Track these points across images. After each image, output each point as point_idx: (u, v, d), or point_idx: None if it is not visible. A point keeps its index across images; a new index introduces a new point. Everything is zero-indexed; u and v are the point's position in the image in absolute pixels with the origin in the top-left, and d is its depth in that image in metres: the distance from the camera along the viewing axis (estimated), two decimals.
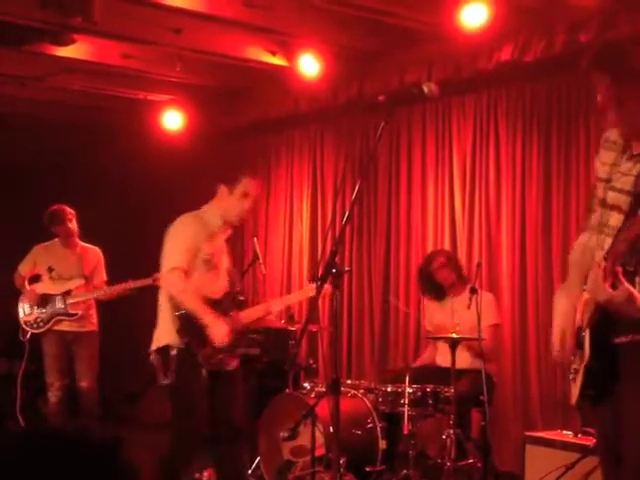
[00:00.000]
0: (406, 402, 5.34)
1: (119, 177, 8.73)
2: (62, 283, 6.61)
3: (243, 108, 8.18)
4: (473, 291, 5.48)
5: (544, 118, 6.37)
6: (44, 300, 6.54)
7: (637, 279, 2.74)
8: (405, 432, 5.31)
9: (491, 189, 6.67)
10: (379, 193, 7.49)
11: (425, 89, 3.24)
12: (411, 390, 5.40)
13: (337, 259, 3.27)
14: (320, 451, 5.11)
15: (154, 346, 4.63)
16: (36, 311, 6.54)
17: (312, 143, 8.11)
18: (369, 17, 6.18)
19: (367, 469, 5.35)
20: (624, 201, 2.81)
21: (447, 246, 6.87)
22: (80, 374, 6.61)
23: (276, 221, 8.42)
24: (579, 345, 2.94)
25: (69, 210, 6.72)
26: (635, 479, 2.77)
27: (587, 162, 6.09)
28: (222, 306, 4.66)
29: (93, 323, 6.75)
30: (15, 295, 6.68)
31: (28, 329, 6.54)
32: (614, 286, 2.66)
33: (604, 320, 2.81)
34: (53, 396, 6.56)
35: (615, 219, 2.84)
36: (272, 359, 6.95)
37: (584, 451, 4.42)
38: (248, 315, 4.77)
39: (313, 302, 5.19)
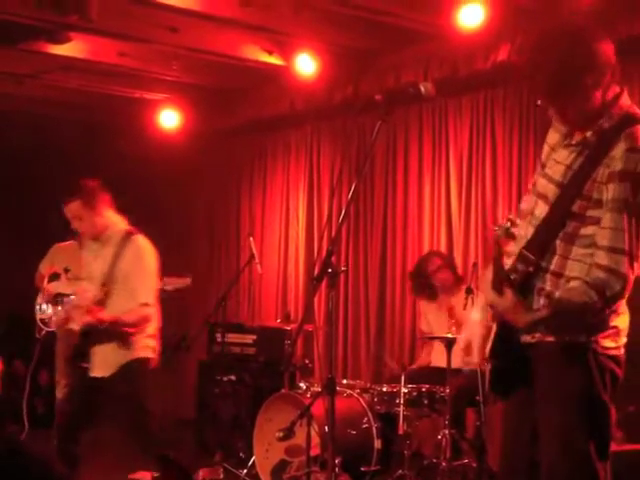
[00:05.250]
0: (401, 402, 5.33)
1: (115, 176, 8.70)
2: (78, 283, 6.64)
3: (239, 107, 8.17)
4: (469, 291, 5.48)
5: (541, 118, 6.37)
6: (59, 299, 6.56)
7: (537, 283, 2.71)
8: (400, 432, 5.30)
9: (488, 189, 6.66)
10: (375, 193, 7.49)
11: (422, 89, 3.22)
12: (406, 390, 5.39)
13: (333, 259, 3.26)
14: (315, 451, 5.10)
15: None
16: (51, 309, 6.57)
17: (308, 142, 8.11)
18: (366, 16, 6.18)
19: (362, 469, 5.35)
20: (551, 190, 2.74)
21: (443, 246, 6.87)
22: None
23: (272, 220, 8.42)
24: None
25: None
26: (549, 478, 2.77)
27: None
28: None
29: None
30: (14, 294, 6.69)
31: (44, 327, 6.57)
32: (502, 291, 2.64)
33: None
34: (60, 392, 6.61)
35: (540, 209, 2.78)
36: (268, 358, 6.95)
37: None
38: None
39: (309, 302, 5.20)
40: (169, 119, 8.37)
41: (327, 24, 6.46)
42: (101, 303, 4.78)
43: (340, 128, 7.80)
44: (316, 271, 3.31)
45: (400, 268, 7.23)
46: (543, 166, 2.84)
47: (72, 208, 4.91)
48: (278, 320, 6.76)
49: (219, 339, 7.06)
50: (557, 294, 2.68)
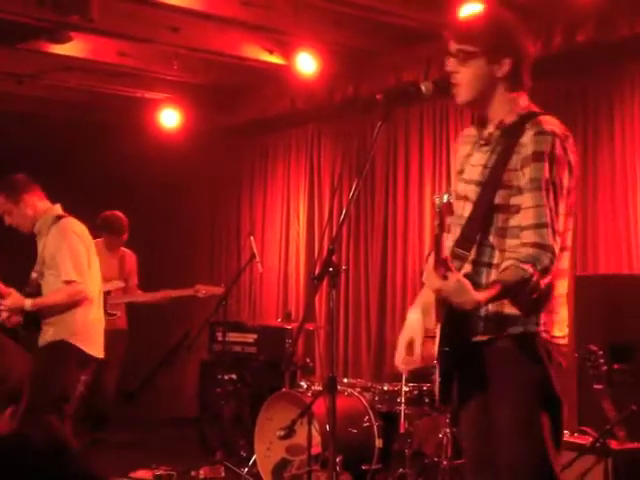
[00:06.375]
0: (402, 401, 5.34)
1: (116, 175, 8.73)
2: (102, 284, 6.65)
3: (240, 107, 8.18)
4: None
5: None
6: None
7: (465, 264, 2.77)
8: (401, 431, 5.30)
9: None
10: (376, 192, 7.49)
11: (423, 88, 3.23)
12: (408, 389, 5.40)
13: (334, 258, 3.27)
14: (316, 450, 5.11)
15: None
16: None
17: (309, 142, 8.12)
18: (366, 16, 6.18)
19: (363, 468, 5.35)
20: (471, 190, 2.85)
21: None
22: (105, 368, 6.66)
23: (273, 220, 8.43)
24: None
25: (125, 219, 6.88)
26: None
27: (584, 160, 6.10)
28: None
29: (123, 322, 6.99)
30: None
31: None
32: (445, 276, 2.64)
33: (454, 317, 2.77)
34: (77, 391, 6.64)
35: (464, 209, 2.88)
36: (269, 357, 6.96)
37: (580, 450, 4.42)
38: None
39: (310, 301, 5.20)
40: (170, 118, 8.38)
41: (328, 23, 6.46)
42: (36, 290, 4.79)
43: (341, 128, 7.81)
44: (317, 270, 3.31)
45: (401, 267, 7.24)
46: (460, 172, 2.95)
47: None
48: (279, 319, 6.77)
49: (220, 338, 7.07)
50: (494, 278, 2.72)
